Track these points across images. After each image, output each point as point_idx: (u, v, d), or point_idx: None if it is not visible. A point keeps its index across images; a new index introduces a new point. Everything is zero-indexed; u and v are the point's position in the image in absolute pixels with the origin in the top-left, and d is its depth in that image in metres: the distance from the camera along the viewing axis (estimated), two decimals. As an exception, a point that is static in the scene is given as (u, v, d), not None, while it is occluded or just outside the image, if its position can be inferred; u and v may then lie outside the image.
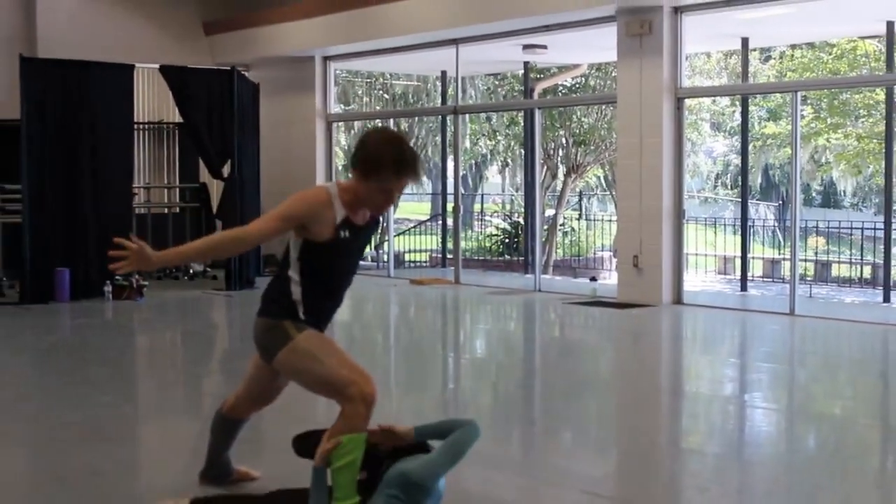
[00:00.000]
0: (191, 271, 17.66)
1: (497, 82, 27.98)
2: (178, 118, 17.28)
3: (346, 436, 5.06)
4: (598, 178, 30.29)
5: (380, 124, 27.26)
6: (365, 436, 5.11)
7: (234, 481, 5.97)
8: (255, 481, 5.97)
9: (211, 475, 5.95)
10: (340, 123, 23.99)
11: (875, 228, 21.71)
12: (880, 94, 19.43)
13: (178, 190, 18.76)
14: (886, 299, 17.17)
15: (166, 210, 18.39)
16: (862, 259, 22.52)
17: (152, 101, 18.13)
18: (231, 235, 5.63)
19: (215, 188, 17.32)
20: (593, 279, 18.60)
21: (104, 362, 10.48)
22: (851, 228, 24.57)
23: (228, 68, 16.74)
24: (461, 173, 19.91)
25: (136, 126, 16.40)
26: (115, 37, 18.35)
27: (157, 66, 16.51)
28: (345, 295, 5.52)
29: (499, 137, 29.30)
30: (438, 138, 25.84)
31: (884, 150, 18.89)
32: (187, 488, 5.98)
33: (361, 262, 27.37)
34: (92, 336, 12.36)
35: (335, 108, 20.61)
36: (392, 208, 5.16)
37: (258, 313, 5.49)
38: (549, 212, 25.45)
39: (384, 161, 5.09)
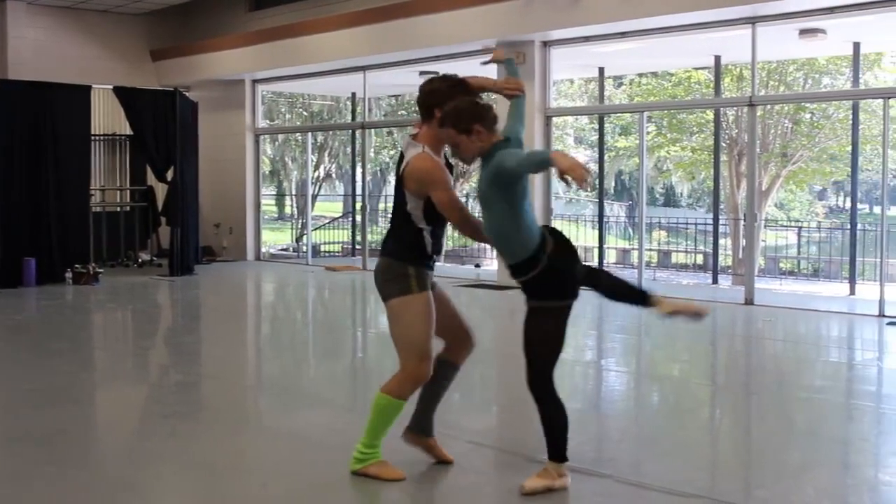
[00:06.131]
0: (140, 260, 17.42)
1: (397, 102, 27.95)
2: (128, 131, 17.02)
3: (389, 398, 5.01)
4: (481, 182, 30.36)
5: (299, 138, 27.13)
6: (402, 407, 5.05)
7: (429, 447, 5.39)
8: (448, 464, 5.40)
9: (416, 429, 5.34)
10: (266, 136, 23.79)
11: (706, 224, 22.07)
12: (710, 115, 19.77)
13: (128, 191, 18.47)
14: (715, 281, 17.53)
15: (118, 209, 18.09)
16: (696, 249, 22.89)
17: (107, 117, 17.80)
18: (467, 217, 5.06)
19: (160, 190, 17.11)
20: (477, 266, 18.69)
21: (65, 337, 10.30)
22: (687, 223, 24.91)
23: (172, 89, 16.61)
24: (367, 178, 19.85)
25: (92, 137, 16.10)
26: (74, 62, 18.17)
27: (111, 86, 16.32)
28: None
29: (398, 148, 29.20)
30: (349, 149, 25.73)
31: (712, 160, 19.25)
32: (143, 445, 5.91)
33: (283, 251, 27.04)
34: (54, 315, 12.13)
35: (262, 123, 20.43)
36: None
37: (383, 254, 5.07)
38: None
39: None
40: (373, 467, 5.09)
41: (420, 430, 5.35)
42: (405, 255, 4.97)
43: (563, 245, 4.78)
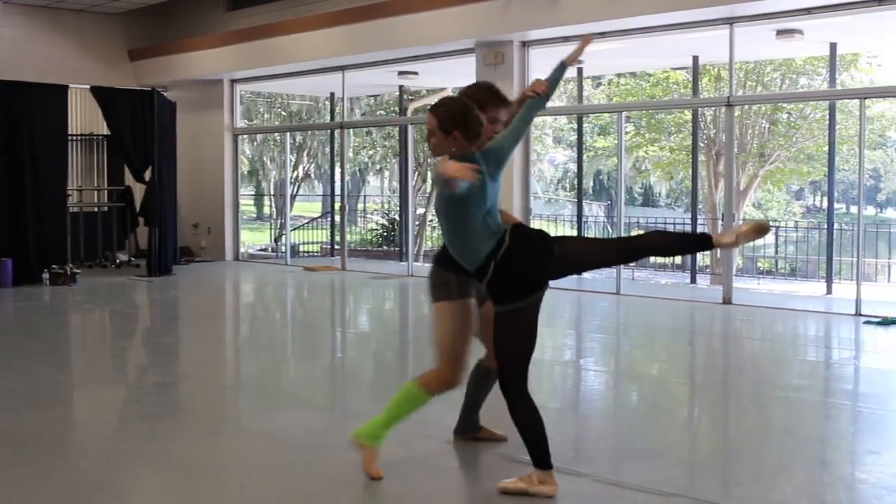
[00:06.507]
0: (117, 260, 17.34)
1: (376, 102, 27.93)
2: (106, 131, 16.96)
3: (417, 387, 5.14)
4: (462, 182, 30.35)
5: (278, 138, 27.07)
6: (425, 402, 5.16)
7: (480, 438, 5.75)
8: (500, 441, 5.72)
9: (462, 429, 5.75)
10: (245, 136, 23.73)
11: (684, 223, 22.17)
12: (688, 115, 19.84)
13: (106, 192, 18.38)
14: (693, 280, 17.60)
15: (96, 209, 18.01)
16: (674, 248, 22.91)
17: (84, 117, 17.74)
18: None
19: (138, 190, 17.06)
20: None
21: (42, 338, 10.23)
22: (665, 223, 25.02)
23: (150, 89, 16.54)
24: (346, 178, 19.83)
25: (70, 137, 16.05)
26: (51, 62, 18.10)
27: (88, 86, 16.26)
28: None
29: (377, 148, 29.25)
30: (328, 149, 25.69)
31: (690, 160, 19.32)
32: (121, 447, 5.88)
33: (261, 252, 26.95)
34: (31, 316, 12.06)
35: (240, 123, 20.36)
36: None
37: (433, 261, 5.26)
38: (420, 210, 25.49)
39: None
40: (367, 450, 5.12)
41: (468, 430, 5.74)
42: (450, 264, 5.03)
43: (518, 244, 4.73)
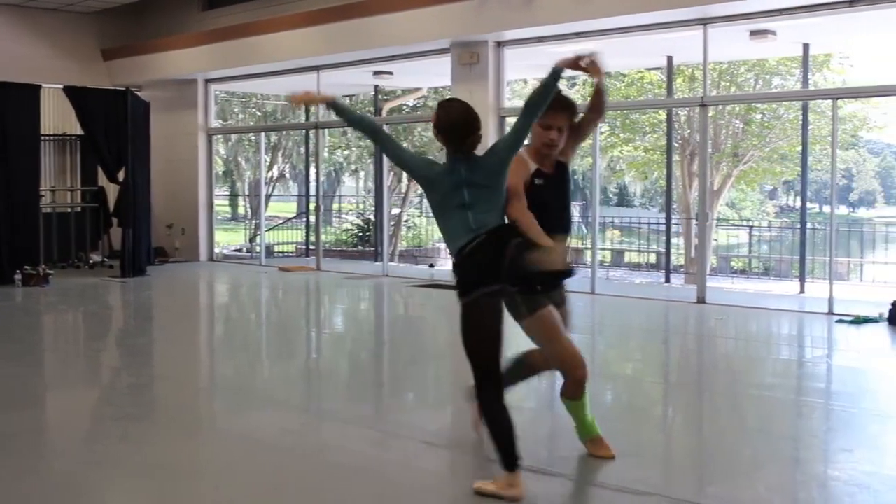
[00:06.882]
0: (91, 261, 17.25)
1: (352, 102, 27.86)
2: (79, 131, 16.87)
3: (567, 400, 5.54)
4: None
5: (253, 138, 27.00)
6: (583, 405, 5.59)
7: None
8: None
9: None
10: (219, 136, 23.65)
11: (659, 223, 22.25)
12: (662, 115, 19.91)
13: (79, 192, 18.27)
14: (667, 280, 17.65)
15: (69, 209, 17.90)
16: (648, 248, 23.05)
17: (57, 117, 17.62)
18: (526, 210, 4.99)
19: (112, 191, 16.99)
20: (431, 266, 18.67)
21: (15, 339, 10.18)
22: (640, 223, 25.11)
23: (123, 89, 16.49)
24: (321, 178, 19.79)
25: (42, 138, 15.97)
26: (23, 61, 17.93)
27: (61, 86, 16.16)
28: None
29: (353, 148, 29.20)
30: (303, 149, 25.66)
31: (665, 160, 19.39)
32: (95, 449, 5.84)
33: (236, 252, 26.83)
34: (3, 317, 11.98)
35: (215, 123, 20.29)
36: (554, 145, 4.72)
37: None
38: (395, 210, 25.47)
39: None
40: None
41: None
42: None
43: (484, 242, 4.76)
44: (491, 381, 4.81)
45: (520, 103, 23.37)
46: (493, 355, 4.82)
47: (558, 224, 5.29)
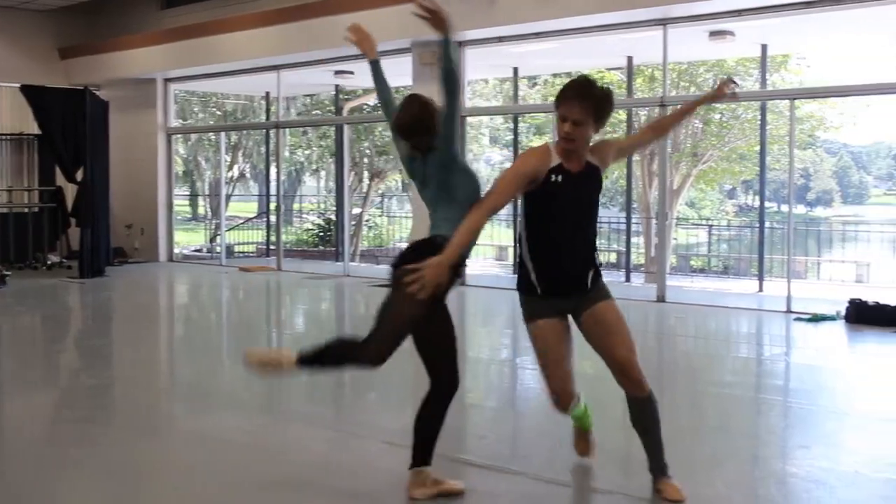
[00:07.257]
0: (49, 262, 17.09)
1: (312, 102, 27.81)
2: (36, 130, 16.71)
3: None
4: (397, 181, 30.37)
5: (213, 138, 26.85)
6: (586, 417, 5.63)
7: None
8: None
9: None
10: (179, 136, 23.49)
11: (619, 222, 22.36)
12: (622, 115, 19.97)
13: (37, 192, 18.10)
14: (627, 279, 17.75)
15: (27, 210, 17.73)
16: (609, 247, 23.15)
17: (14, 116, 17.44)
18: (485, 210, 4.59)
19: (70, 191, 16.83)
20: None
21: (-28, 341, 10.07)
22: (600, 222, 25.15)
23: (81, 88, 16.32)
24: (282, 178, 19.72)
25: (-2, 137, 15.83)
26: (-21, 60, 17.72)
27: (17, 85, 16.00)
28: (584, 259, 4.84)
29: (313, 148, 29.13)
30: (263, 149, 25.56)
31: (625, 160, 19.47)
32: (53, 451, 5.79)
33: (196, 252, 26.53)
34: (-40, 319, 11.86)
35: (174, 122, 20.15)
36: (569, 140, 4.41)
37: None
38: (356, 210, 25.43)
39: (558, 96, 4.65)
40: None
41: None
42: (517, 284, 5.05)
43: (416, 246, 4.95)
44: (431, 372, 5.02)
45: (480, 103, 23.47)
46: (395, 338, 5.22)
47: (565, 245, 4.75)
